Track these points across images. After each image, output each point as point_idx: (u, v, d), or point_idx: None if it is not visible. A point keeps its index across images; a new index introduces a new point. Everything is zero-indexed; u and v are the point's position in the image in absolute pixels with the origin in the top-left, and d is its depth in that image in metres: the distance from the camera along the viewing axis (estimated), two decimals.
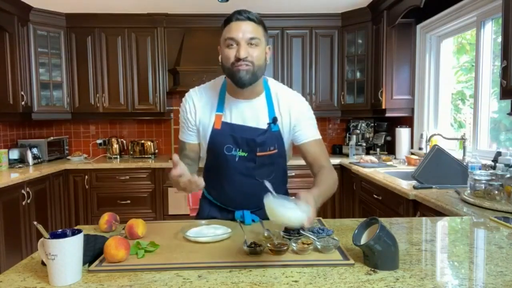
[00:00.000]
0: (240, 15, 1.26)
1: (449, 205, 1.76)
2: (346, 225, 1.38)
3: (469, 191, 1.85)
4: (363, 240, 1.04)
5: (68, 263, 0.91)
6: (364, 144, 4.07)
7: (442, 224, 1.46)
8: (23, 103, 3.47)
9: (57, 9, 3.73)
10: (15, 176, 2.96)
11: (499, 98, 1.99)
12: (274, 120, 1.36)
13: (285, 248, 1.07)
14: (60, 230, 0.96)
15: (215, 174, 1.46)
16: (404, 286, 0.88)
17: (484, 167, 2.18)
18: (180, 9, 3.78)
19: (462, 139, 2.80)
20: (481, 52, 2.68)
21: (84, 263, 0.99)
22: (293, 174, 3.59)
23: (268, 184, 1.08)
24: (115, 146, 4.13)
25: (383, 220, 1.33)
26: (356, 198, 3.34)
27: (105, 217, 1.33)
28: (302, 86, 4.02)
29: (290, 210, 0.92)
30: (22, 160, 3.57)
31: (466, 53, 3.20)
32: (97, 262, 1.02)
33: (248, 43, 1.25)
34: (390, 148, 3.95)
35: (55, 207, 3.51)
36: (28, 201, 3.08)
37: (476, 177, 1.81)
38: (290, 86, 3.88)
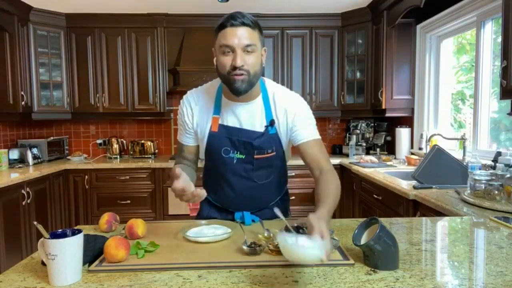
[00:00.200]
0: (234, 20, 1.21)
1: (449, 205, 1.76)
2: (346, 225, 1.38)
3: (469, 191, 1.85)
4: (363, 240, 1.04)
5: (68, 263, 0.91)
6: (364, 144, 4.07)
7: (442, 224, 1.46)
8: (23, 103, 3.47)
9: (57, 9, 3.73)
10: (15, 176, 2.96)
11: (499, 98, 1.99)
12: (271, 123, 1.34)
13: None
14: (60, 230, 0.96)
15: (213, 176, 1.46)
16: (404, 286, 0.88)
17: (484, 167, 2.18)
18: (180, 9, 3.78)
19: (462, 139, 2.80)
20: (481, 52, 2.68)
21: (84, 263, 0.99)
22: (293, 174, 3.59)
23: (277, 211, 1.08)
24: (115, 146, 4.13)
25: (383, 220, 1.33)
26: (356, 198, 3.34)
27: (105, 217, 1.33)
28: (302, 86, 4.02)
29: (307, 250, 0.87)
30: (22, 160, 3.57)
31: (466, 53, 3.20)
32: (97, 262, 1.02)
33: (244, 50, 1.21)
34: (390, 148, 3.95)
35: (55, 207, 3.51)
36: (28, 201, 3.08)
37: (476, 177, 1.81)
38: (290, 86, 3.93)
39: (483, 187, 1.77)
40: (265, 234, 1.20)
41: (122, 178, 3.70)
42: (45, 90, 3.78)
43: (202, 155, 1.47)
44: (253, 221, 1.42)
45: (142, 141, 4.08)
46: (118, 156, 4.13)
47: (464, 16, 2.82)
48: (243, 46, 1.21)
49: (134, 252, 1.07)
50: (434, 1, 2.99)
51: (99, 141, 4.29)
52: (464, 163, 2.30)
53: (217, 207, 1.53)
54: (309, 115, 1.39)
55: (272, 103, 1.36)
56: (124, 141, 4.26)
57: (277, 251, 1.06)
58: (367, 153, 4.00)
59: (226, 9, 3.55)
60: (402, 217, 1.89)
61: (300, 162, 1.38)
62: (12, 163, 3.49)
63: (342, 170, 3.69)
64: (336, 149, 4.28)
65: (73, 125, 4.32)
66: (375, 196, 2.78)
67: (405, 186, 2.29)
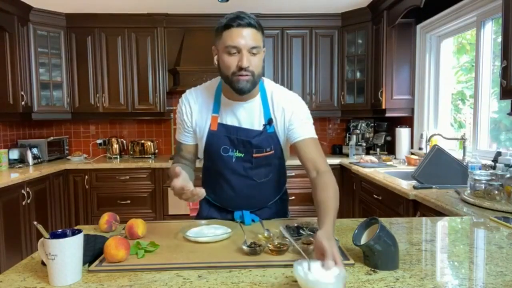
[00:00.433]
0: (241, 20, 1.20)
1: (449, 205, 1.76)
2: (346, 225, 1.38)
3: (469, 191, 1.85)
4: (363, 240, 1.04)
5: (68, 263, 0.91)
6: (364, 144, 4.07)
7: (442, 224, 1.46)
8: (23, 103, 3.47)
9: (57, 9, 3.73)
10: (15, 176, 2.96)
11: (499, 98, 1.99)
12: (269, 122, 1.35)
13: (285, 248, 1.07)
14: (60, 230, 0.96)
15: (213, 175, 1.47)
16: (404, 286, 0.88)
17: (484, 167, 2.18)
18: (180, 9, 3.78)
19: (462, 139, 2.80)
20: (481, 52, 2.68)
21: (84, 263, 0.99)
22: (293, 174, 3.59)
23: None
24: (115, 146, 4.13)
25: (383, 220, 1.33)
26: (356, 198, 3.34)
27: (105, 217, 1.33)
28: (302, 86, 4.02)
29: (325, 286, 0.83)
30: (22, 160, 3.57)
31: (466, 53, 3.20)
32: (97, 262, 1.02)
33: (249, 52, 1.22)
34: (390, 148, 3.95)
35: (55, 207, 3.51)
36: (28, 201, 3.08)
37: (476, 177, 1.81)
38: (290, 86, 3.93)
39: (483, 187, 1.77)
40: (265, 234, 1.20)
41: (122, 178, 3.70)
42: (45, 90, 3.78)
43: (200, 154, 1.48)
44: (253, 221, 1.42)
45: (142, 141, 4.08)
46: (118, 156, 4.13)
47: (464, 16, 2.82)
48: (249, 48, 1.21)
49: (134, 252, 1.07)
50: (434, 1, 2.99)
51: (99, 141, 4.29)
52: (464, 163, 2.30)
53: (216, 207, 1.53)
54: (307, 115, 1.39)
55: (270, 102, 1.37)
56: (124, 141, 4.26)
57: (277, 251, 1.06)
58: (367, 153, 4.00)
59: (226, 9, 3.55)
60: (402, 217, 1.89)
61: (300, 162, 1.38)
62: (12, 163, 3.49)
63: (342, 170, 3.69)
64: (336, 149, 4.28)
65: (73, 125, 4.32)
66: (375, 196, 2.78)
67: (405, 186, 2.29)
